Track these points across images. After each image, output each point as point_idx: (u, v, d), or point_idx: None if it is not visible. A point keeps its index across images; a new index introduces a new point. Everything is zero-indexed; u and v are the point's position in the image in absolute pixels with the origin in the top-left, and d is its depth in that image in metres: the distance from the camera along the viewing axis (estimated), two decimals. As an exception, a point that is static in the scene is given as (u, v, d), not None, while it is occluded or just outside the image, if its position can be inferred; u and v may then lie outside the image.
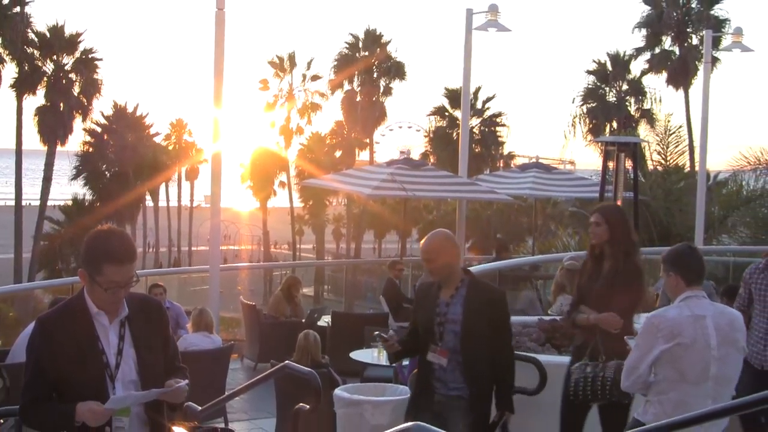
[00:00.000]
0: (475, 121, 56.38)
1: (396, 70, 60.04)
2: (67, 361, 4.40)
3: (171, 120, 70.10)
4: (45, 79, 49.87)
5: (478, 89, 56.73)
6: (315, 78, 60.62)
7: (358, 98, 59.52)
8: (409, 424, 4.39)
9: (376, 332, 6.63)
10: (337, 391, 8.03)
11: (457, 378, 6.51)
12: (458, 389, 6.50)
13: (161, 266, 60.14)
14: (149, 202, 66.08)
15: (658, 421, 5.44)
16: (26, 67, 48.73)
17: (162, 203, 69.62)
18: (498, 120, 59.96)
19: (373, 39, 59.82)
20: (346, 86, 60.09)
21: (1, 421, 6.67)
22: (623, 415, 6.84)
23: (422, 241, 6.84)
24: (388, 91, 60.15)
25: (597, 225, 7.21)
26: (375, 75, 59.86)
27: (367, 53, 59.45)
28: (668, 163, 28.44)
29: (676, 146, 28.79)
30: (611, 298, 6.96)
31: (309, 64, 60.94)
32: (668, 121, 29.64)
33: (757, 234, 24.00)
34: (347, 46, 60.13)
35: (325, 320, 15.00)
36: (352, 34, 60.43)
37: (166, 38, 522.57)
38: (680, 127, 30.43)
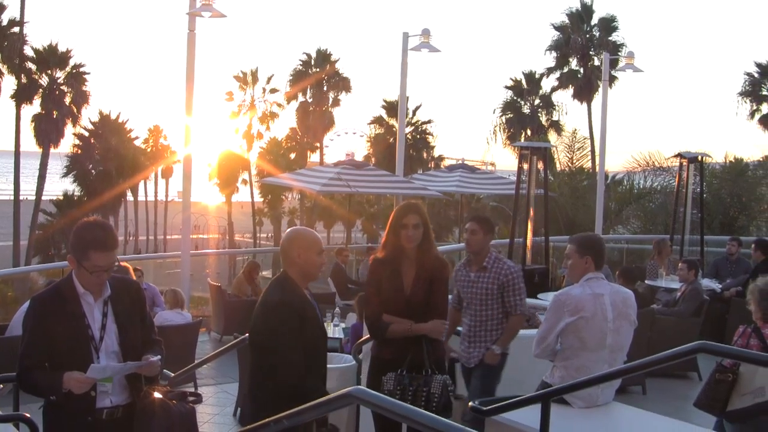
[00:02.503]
0: (408, 129, 56.32)
1: (343, 84, 59.91)
2: (57, 335, 4.37)
3: (149, 126, 69.73)
4: (40, 90, 49.24)
5: (407, 99, 56.47)
6: (273, 91, 60.30)
7: (310, 108, 59.35)
8: (350, 388, 4.36)
9: None
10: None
11: None
12: None
13: (140, 252, 59.67)
14: (130, 197, 65.52)
15: (563, 383, 5.50)
16: (24, 80, 48.15)
17: (141, 198, 69.20)
18: (426, 128, 60.14)
19: (323, 57, 59.64)
20: (300, 98, 59.92)
21: (1, 386, 6.61)
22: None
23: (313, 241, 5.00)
24: (336, 102, 59.98)
25: (416, 228, 5.71)
26: (325, 88, 59.59)
27: (318, 69, 59.20)
28: (574, 165, 28.85)
29: (581, 151, 29.27)
30: (436, 304, 5.81)
31: (269, 79, 60.61)
32: (575, 133, 30.24)
33: (646, 225, 24.41)
34: (301, 63, 59.89)
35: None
36: (305, 53, 60.26)
37: (146, 54, 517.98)
38: (585, 139, 30.92)
